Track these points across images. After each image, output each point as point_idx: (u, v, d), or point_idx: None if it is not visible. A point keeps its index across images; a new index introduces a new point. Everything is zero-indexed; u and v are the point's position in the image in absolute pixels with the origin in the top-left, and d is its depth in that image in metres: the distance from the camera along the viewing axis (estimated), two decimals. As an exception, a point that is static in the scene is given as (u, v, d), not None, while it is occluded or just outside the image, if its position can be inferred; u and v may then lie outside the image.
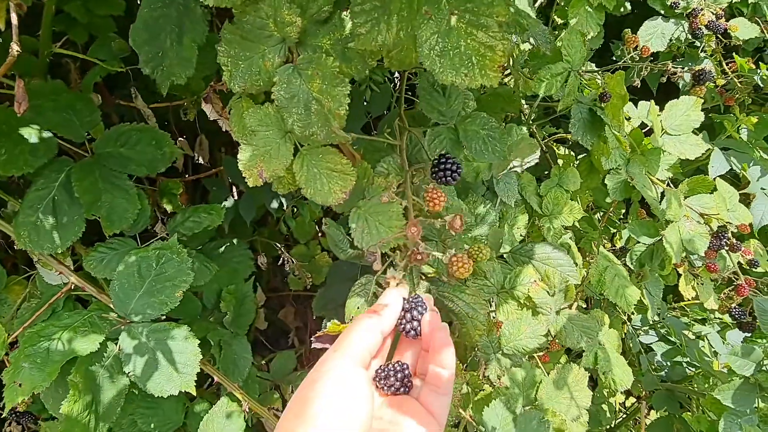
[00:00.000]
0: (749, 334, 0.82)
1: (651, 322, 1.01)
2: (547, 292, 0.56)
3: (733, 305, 0.82)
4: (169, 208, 0.92)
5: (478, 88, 0.95)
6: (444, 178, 0.42)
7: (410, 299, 0.44)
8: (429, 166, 0.42)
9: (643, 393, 1.04)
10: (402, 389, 0.41)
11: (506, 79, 0.98)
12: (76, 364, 0.58)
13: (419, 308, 0.43)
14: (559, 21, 1.16)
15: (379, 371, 0.41)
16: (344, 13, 0.37)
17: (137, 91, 0.87)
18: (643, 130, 0.94)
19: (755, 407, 0.77)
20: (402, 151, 0.49)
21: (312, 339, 0.42)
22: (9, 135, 0.64)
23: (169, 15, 0.47)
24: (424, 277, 0.44)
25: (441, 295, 0.42)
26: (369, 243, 0.43)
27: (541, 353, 0.82)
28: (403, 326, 0.43)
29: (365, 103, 0.99)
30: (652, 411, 1.23)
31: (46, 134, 0.67)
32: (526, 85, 0.92)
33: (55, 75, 0.88)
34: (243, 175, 0.43)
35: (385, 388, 0.41)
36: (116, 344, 0.61)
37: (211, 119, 0.54)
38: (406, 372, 0.41)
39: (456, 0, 0.32)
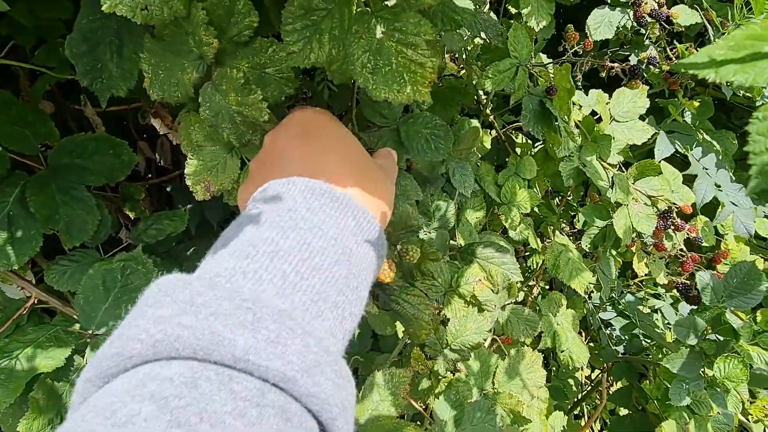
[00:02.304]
0: (695, 307, 0.87)
1: (607, 299, 1.07)
2: (491, 289, 0.59)
3: (680, 281, 0.87)
4: (131, 214, 0.92)
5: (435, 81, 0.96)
6: None
7: None
8: None
9: (604, 366, 1.10)
10: None
11: (462, 72, 1.00)
12: (39, 380, 0.58)
13: None
14: (514, 11, 1.18)
15: None
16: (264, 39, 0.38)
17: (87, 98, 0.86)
18: (595, 117, 0.97)
19: (701, 373, 0.83)
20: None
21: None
22: (-43, 152, 0.63)
23: (108, 26, 0.47)
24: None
25: (388, 297, 0.45)
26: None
27: (503, 336, 0.86)
28: None
29: (326, 101, 1.00)
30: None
31: (-4, 149, 0.66)
32: (480, 80, 0.95)
33: (3, 83, 0.86)
34: (191, 189, 0.44)
35: None
36: (83, 357, 0.62)
37: (161, 133, 0.54)
38: None
39: (385, 20, 0.34)
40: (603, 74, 0.77)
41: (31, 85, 0.88)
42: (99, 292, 0.64)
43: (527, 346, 0.69)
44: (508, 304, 0.63)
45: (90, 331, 0.63)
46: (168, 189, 1.06)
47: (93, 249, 0.74)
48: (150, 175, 1.16)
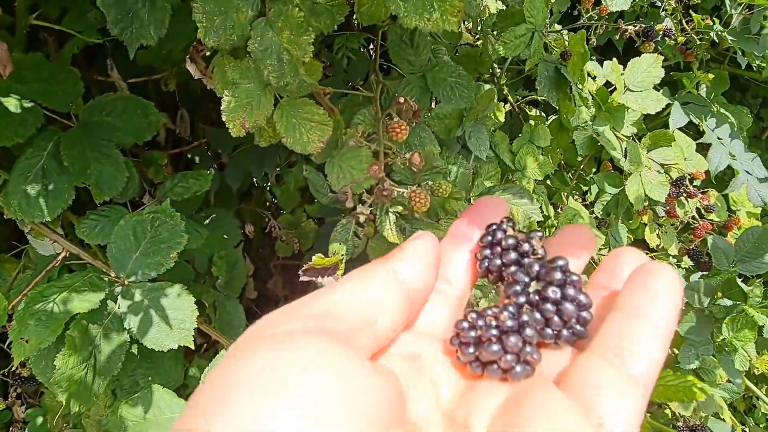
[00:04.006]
0: (707, 272, 0.89)
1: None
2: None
3: (691, 247, 0.89)
4: (155, 179, 0.95)
5: (452, 49, 0.98)
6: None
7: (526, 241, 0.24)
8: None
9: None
10: (516, 369, 0.21)
11: (478, 42, 1.02)
12: (75, 321, 0.61)
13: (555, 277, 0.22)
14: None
15: (461, 326, 0.21)
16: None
17: (113, 62, 0.88)
18: (609, 89, 0.98)
19: (710, 338, 0.85)
20: (376, 101, 0.53)
21: (299, 273, 0.45)
22: (-5, 107, 0.65)
23: (141, -25, 0.49)
24: (397, 215, 0.48)
25: (414, 230, 0.47)
26: (344, 186, 0.47)
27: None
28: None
29: (344, 72, 1.02)
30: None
31: (29, 104, 0.69)
32: (495, 50, 0.96)
33: (30, 50, 0.89)
34: (227, 125, 0.46)
35: (472, 364, 0.21)
36: (116, 303, 0.65)
37: (195, 78, 0.57)
38: (527, 334, 0.21)
39: (416, -51, 0.36)
40: (617, 37, 0.78)
41: (57, 51, 0.91)
42: (130, 242, 0.66)
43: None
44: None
45: (122, 278, 0.66)
46: (188, 156, 1.09)
47: (121, 206, 0.76)
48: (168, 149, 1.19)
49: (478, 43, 1.00)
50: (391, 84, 0.53)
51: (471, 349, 0.21)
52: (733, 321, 0.76)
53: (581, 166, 1.15)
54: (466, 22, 0.99)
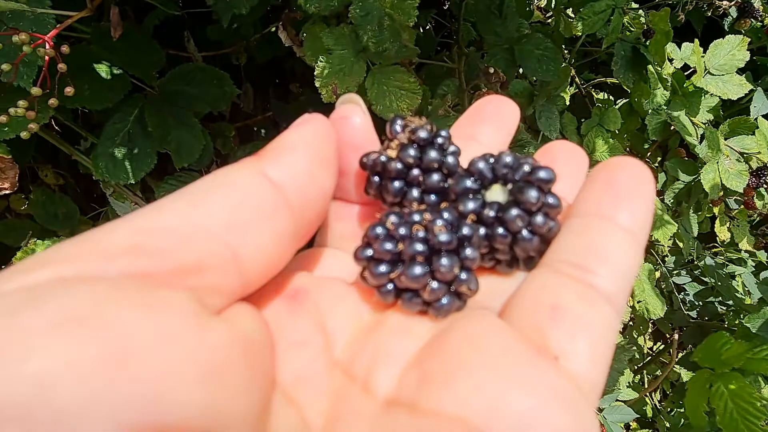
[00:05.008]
0: (783, 269, 0.84)
1: (687, 258, 1.04)
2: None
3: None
4: (222, 149, 0.98)
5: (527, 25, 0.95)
6: None
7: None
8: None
9: (675, 330, 1.08)
10: (442, 301, 0.15)
11: (548, 21, 0.99)
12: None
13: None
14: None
15: (373, 233, 0.16)
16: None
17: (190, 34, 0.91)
18: (686, 73, 0.94)
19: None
20: (460, 73, 0.53)
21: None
22: (88, 72, 0.69)
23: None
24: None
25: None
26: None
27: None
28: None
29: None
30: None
31: (118, 71, 0.72)
32: (567, 28, 0.93)
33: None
34: (318, 91, 0.47)
35: (381, 290, 0.16)
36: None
37: (285, 45, 0.58)
38: (467, 255, 0.15)
39: None
40: (709, 13, 0.74)
41: (136, 22, 0.95)
42: (207, 206, 0.69)
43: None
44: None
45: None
46: (254, 129, 1.12)
47: (197, 173, 0.80)
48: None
49: (549, 21, 0.97)
50: (474, 55, 0.53)
51: (383, 268, 0.15)
52: (815, 319, 0.72)
53: (648, 153, 1.11)
54: (537, 0, 0.96)
